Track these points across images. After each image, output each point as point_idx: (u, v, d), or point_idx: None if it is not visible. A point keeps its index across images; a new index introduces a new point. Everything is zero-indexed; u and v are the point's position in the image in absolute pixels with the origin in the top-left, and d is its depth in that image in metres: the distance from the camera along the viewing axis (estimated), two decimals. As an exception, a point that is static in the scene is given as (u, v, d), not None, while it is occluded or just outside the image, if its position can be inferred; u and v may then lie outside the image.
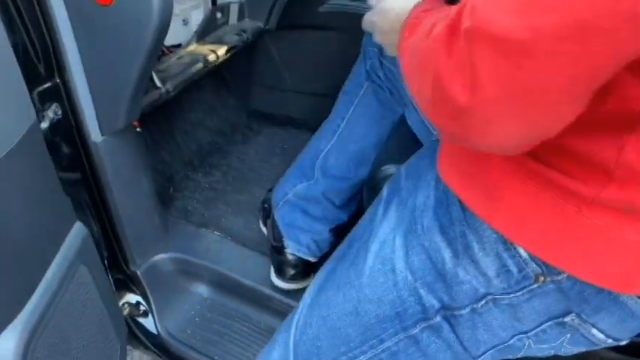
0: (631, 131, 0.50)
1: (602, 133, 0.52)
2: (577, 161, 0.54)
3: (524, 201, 0.57)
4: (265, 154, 1.59)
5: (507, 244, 0.60)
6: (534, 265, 0.60)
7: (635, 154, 0.50)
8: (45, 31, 0.93)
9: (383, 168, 1.03)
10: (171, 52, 1.25)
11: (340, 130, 1.09)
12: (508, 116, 0.45)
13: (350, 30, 1.35)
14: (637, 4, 0.38)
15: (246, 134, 1.66)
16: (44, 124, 0.96)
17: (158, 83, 1.08)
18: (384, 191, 0.79)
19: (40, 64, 0.95)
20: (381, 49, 1.04)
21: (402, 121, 1.06)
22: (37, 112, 0.96)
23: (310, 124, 1.48)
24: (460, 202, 0.63)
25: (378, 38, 0.75)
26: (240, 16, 1.38)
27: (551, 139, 0.50)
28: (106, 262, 1.20)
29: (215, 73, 1.61)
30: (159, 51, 0.96)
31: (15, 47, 0.89)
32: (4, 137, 0.74)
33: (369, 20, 0.76)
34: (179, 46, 1.28)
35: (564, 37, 0.40)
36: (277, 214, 1.16)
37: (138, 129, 1.19)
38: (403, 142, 1.03)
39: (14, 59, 0.79)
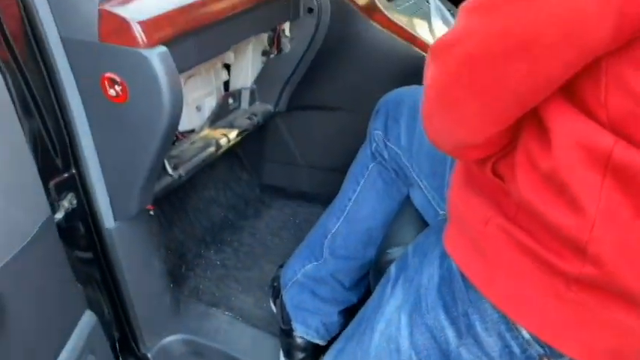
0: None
1: (562, 202, 0.54)
2: (554, 235, 0.55)
3: (520, 275, 0.59)
4: (277, 228, 1.61)
5: (509, 324, 0.61)
6: (537, 347, 0.60)
7: (603, 230, 0.52)
8: (62, 125, 0.98)
9: (389, 251, 1.03)
10: (184, 137, 1.30)
11: (348, 210, 1.11)
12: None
13: (357, 110, 1.41)
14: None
15: (258, 208, 1.69)
16: (59, 215, 1.00)
17: (170, 170, 1.12)
18: (392, 269, 0.81)
19: (57, 158, 1.00)
20: (385, 131, 1.08)
21: (408, 201, 1.08)
22: (53, 202, 1.00)
23: (322, 197, 1.50)
24: (463, 279, 0.64)
25: None
26: (252, 101, 1.44)
27: (529, 206, 0.56)
28: (117, 344, 1.20)
29: (228, 152, 1.66)
30: (170, 142, 1.00)
31: (33, 141, 0.94)
32: (18, 234, 0.78)
33: None
34: (193, 131, 1.34)
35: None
36: (286, 296, 1.17)
37: (151, 212, 1.22)
38: (409, 223, 1.05)
39: (30, 156, 0.84)
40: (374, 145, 1.10)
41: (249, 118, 1.39)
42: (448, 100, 0.56)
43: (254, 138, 1.61)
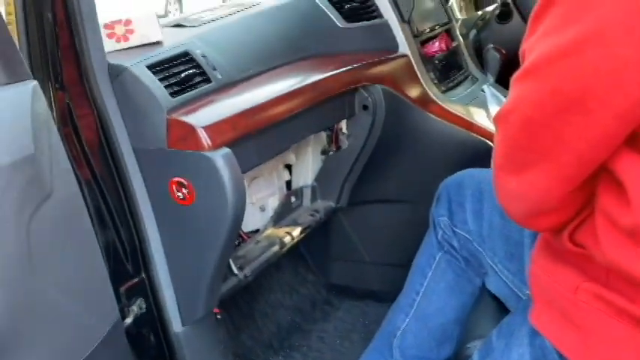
0: None
1: None
2: None
3: (618, 341, 0.58)
4: (346, 331, 1.55)
5: None
6: None
7: None
8: (134, 231, 1.02)
9: (468, 345, 0.96)
10: (249, 238, 1.31)
11: (416, 305, 1.06)
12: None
13: (419, 201, 1.38)
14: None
15: (326, 310, 1.64)
16: (129, 319, 1.01)
17: (235, 270, 1.12)
18: (475, 358, 0.78)
19: (128, 263, 1.03)
20: (451, 217, 1.04)
21: (483, 291, 1.01)
22: (123, 308, 1.01)
23: (391, 295, 1.43)
24: (559, 355, 0.63)
25: None
26: (313, 198, 1.45)
27: (618, 266, 0.55)
28: None
29: (293, 251, 1.66)
30: (234, 241, 1.01)
31: (106, 247, 0.97)
32: (87, 338, 0.78)
33: None
34: (257, 231, 1.35)
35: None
36: (359, 401, 1.09)
37: (218, 316, 1.21)
38: (487, 314, 0.98)
39: (102, 262, 0.86)
40: (440, 232, 1.07)
41: (311, 215, 1.40)
42: (514, 165, 0.58)
43: (317, 236, 1.61)
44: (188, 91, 0.98)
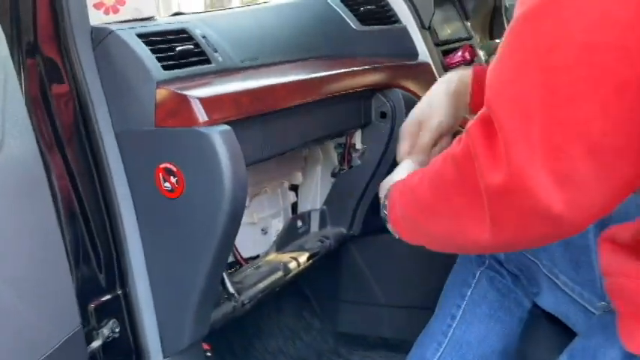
0: None
1: None
2: None
3: None
4: (357, 386, 1.33)
5: None
6: None
7: None
8: (109, 232, 0.84)
9: (521, 379, 0.76)
10: (247, 263, 1.13)
11: (452, 332, 0.86)
12: None
13: None
14: None
15: (334, 362, 1.42)
16: (96, 343, 0.81)
17: (231, 289, 0.93)
18: None
19: (101, 273, 0.84)
20: None
21: (534, 313, 0.82)
22: (91, 330, 0.82)
23: (407, 345, 1.25)
24: None
25: None
26: (322, 224, 1.29)
27: None
28: None
29: (296, 291, 1.47)
30: (231, 246, 0.84)
31: (75, 253, 0.80)
32: (29, 347, 0.59)
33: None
34: (257, 257, 1.17)
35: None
36: None
37: (208, 353, 1.01)
38: (545, 338, 0.78)
39: (63, 253, 0.69)
40: None
41: (320, 241, 1.23)
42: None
43: (325, 274, 1.42)
44: (184, 68, 0.84)
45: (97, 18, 0.87)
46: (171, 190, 0.80)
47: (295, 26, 1.13)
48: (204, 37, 0.91)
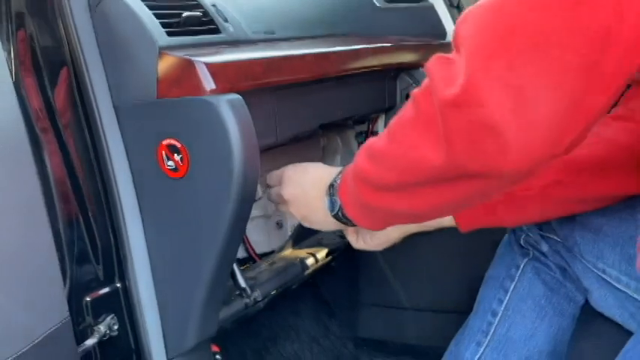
0: None
1: None
2: None
3: None
4: (379, 395, 1.22)
5: None
6: None
7: None
8: (107, 218, 0.76)
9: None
10: (262, 259, 1.04)
11: (493, 331, 0.76)
12: None
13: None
14: None
15: (354, 369, 1.32)
16: (91, 341, 0.72)
17: (243, 283, 0.84)
18: None
19: (98, 264, 0.76)
20: None
21: (587, 311, 0.72)
22: (86, 326, 0.74)
23: (434, 352, 1.16)
24: None
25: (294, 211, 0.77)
26: (342, 218, 1.19)
27: None
28: None
29: (314, 293, 1.37)
30: (243, 231, 0.75)
31: (68, 241, 0.71)
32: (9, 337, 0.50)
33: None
34: (272, 253, 1.08)
35: None
36: None
37: (217, 356, 0.91)
38: (597, 336, 0.68)
39: (49, 236, 0.60)
40: (522, 235, 0.80)
41: (340, 236, 1.13)
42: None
43: (343, 276, 1.33)
44: (190, 35, 0.76)
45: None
46: (175, 169, 0.71)
47: (316, 1, 1.04)
48: (214, 5, 0.83)
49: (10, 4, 0.68)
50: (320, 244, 1.11)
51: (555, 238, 0.75)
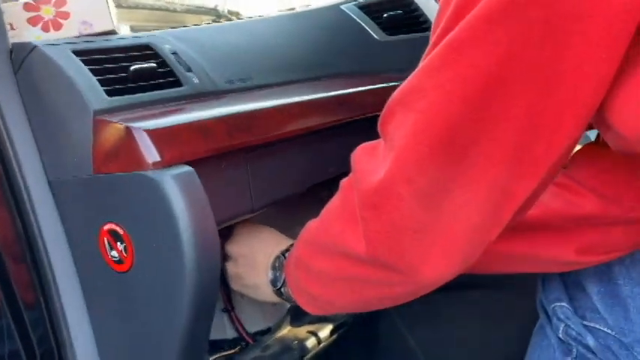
0: None
1: None
2: None
3: None
4: None
5: None
6: None
7: None
8: (48, 326, 0.61)
9: None
10: (254, 341, 0.89)
11: None
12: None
13: (511, 286, 0.97)
14: None
15: None
16: None
17: (217, 392, 0.68)
18: None
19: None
20: (571, 303, 0.62)
21: None
22: None
23: None
24: None
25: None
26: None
27: None
28: None
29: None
30: (205, 336, 0.60)
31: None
32: None
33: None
34: (268, 331, 0.93)
35: None
36: None
37: None
38: None
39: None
40: (561, 326, 0.63)
41: (348, 308, 0.97)
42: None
43: (359, 346, 1.16)
44: (140, 92, 0.62)
45: (33, 36, 0.67)
46: (120, 261, 0.57)
47: (303, 40, 0.91)
48: (174, 52, 0.70)
49: None
50: (324, 319, 0.95)
51: (604, 329, 0.58)
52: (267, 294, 0.70)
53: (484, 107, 0.42)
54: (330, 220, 0.55)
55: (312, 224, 0.60)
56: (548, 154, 0.43)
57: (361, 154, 0.53)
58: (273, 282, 0.67)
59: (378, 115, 0.84)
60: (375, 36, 0.97)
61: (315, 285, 0.59)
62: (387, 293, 0.53)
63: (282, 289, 0.67)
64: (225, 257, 0.72)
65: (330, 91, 0.78)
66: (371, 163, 0.49)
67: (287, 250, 0.67)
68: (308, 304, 0.63)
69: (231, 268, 0.73)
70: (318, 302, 0.62)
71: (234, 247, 0.72)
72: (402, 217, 0.46)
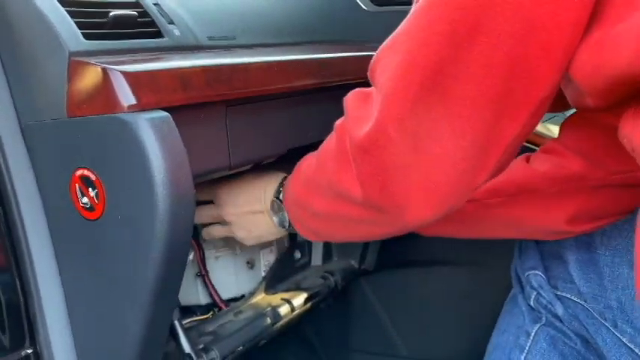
0: None
1: None
2: None
3: None
4: None
5: None
6: None
7: None
8: (15, 272, 0.60)
9: None
10: (228, 306, 0.88)
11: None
12: None
13: (486, 262, 0.98)
14: None
15: None
16: None
17: (187, 348, 0.67)
18: None
19: (4, 331, 0.61)
20: (546, 272, 0.63)
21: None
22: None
23: None
24: None
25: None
26: (326, 256, 1.04)
27: None
28: None
29: (299, 338, 1.21)
30: (176, 290, 0.59)
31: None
32: None
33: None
34: (242, 298, 0.92)
35: None
36: None
37: None
38: None
39: None
40: (533, 294, 0.64)
41: (323, 278, 0.97)
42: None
43: (333, 319, 1.18)
44: (118, 39, 0.61)
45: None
46: (91, 208, 0.56)
47: (291, 4, 0.90)
48: (156, 4, 0.68)
49: None
50: (298, 288, 0.95)
51: (574, 299, 0.59)
52: (281, 233, 0.75)
53: (468, 48, 0.43)
54: (327, 160, 0.58)
55: (309, 159, 0.63)
56: (530, 98, 0.45)
57: (354, 99, 0.54)
58: (281, 224, 0.71)
59: (360, 84, 0.84)
60: (364, 6, 0.96)
61: (315, 222, 0.64)
62: (377, 231, 0.59)
63: (291, 228, 0.71)
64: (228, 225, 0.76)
65: (313, 54, 0.77)
66: (362, 109, 0.51)
67: (278, 190, 0.69)
68: (313, 236, 0.69)
69: (237, 231, 0.76)
70: (321, 235, 0.69)
71: (227, 211, 0.74)
72: (390, 156, 0.48)
